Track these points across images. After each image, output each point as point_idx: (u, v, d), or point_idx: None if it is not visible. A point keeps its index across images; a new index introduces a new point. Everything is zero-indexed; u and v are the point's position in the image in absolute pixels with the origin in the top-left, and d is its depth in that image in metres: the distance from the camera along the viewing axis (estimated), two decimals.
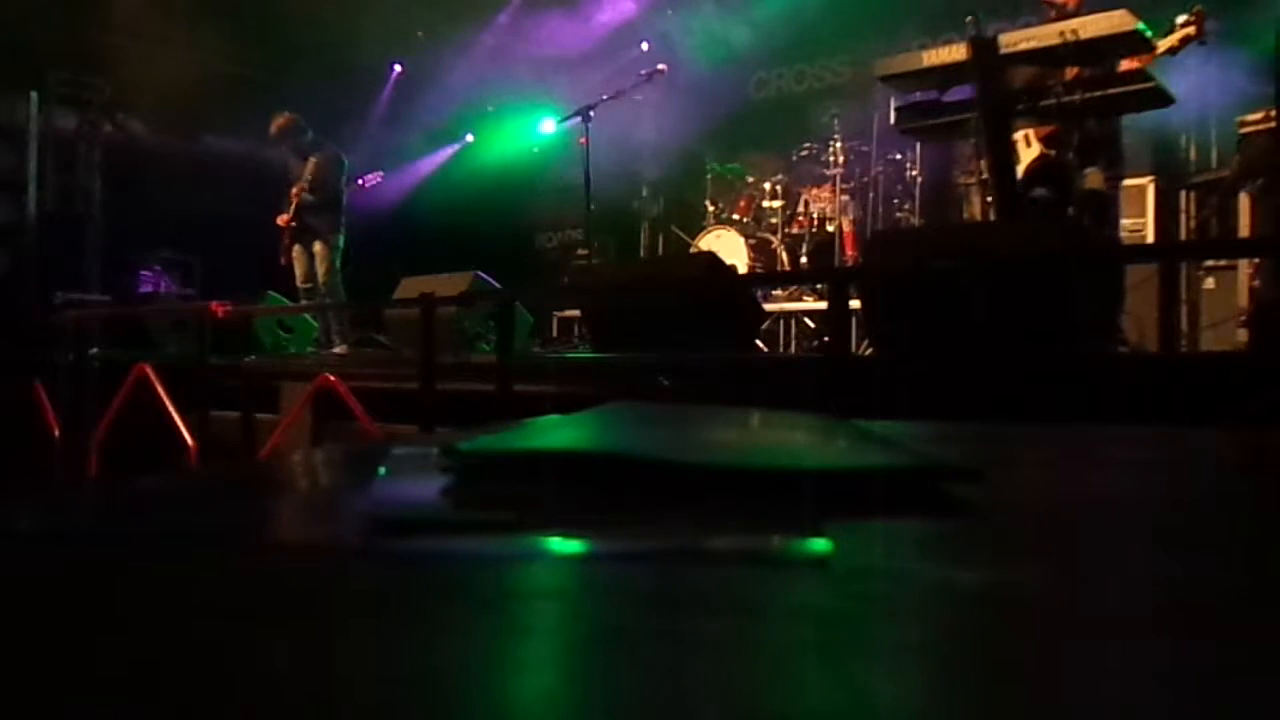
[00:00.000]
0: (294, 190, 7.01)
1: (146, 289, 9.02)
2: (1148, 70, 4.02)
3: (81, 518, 0.59)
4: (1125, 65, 4.13)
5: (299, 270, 7.14)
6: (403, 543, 0.46)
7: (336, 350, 6.63)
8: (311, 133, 7.17)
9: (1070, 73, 3.97)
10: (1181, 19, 4.38)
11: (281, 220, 7.06)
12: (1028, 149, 4.69)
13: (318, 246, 7.03)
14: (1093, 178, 4.52)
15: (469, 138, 11.27)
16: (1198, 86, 4.67)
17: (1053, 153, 4.56)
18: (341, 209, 7.11)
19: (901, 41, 7.61)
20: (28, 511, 0.58)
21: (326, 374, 4.52)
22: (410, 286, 5.79)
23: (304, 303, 7.15)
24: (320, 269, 7.03)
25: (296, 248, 7.10)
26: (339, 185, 7.10)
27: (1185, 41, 4.37)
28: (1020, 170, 4.56)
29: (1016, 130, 4.54)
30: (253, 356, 5.95)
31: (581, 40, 10.25)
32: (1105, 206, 4.62)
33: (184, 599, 0.38)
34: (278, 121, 7.11)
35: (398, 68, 10.69)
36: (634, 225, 10.01)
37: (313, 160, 7.03)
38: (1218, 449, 1.08)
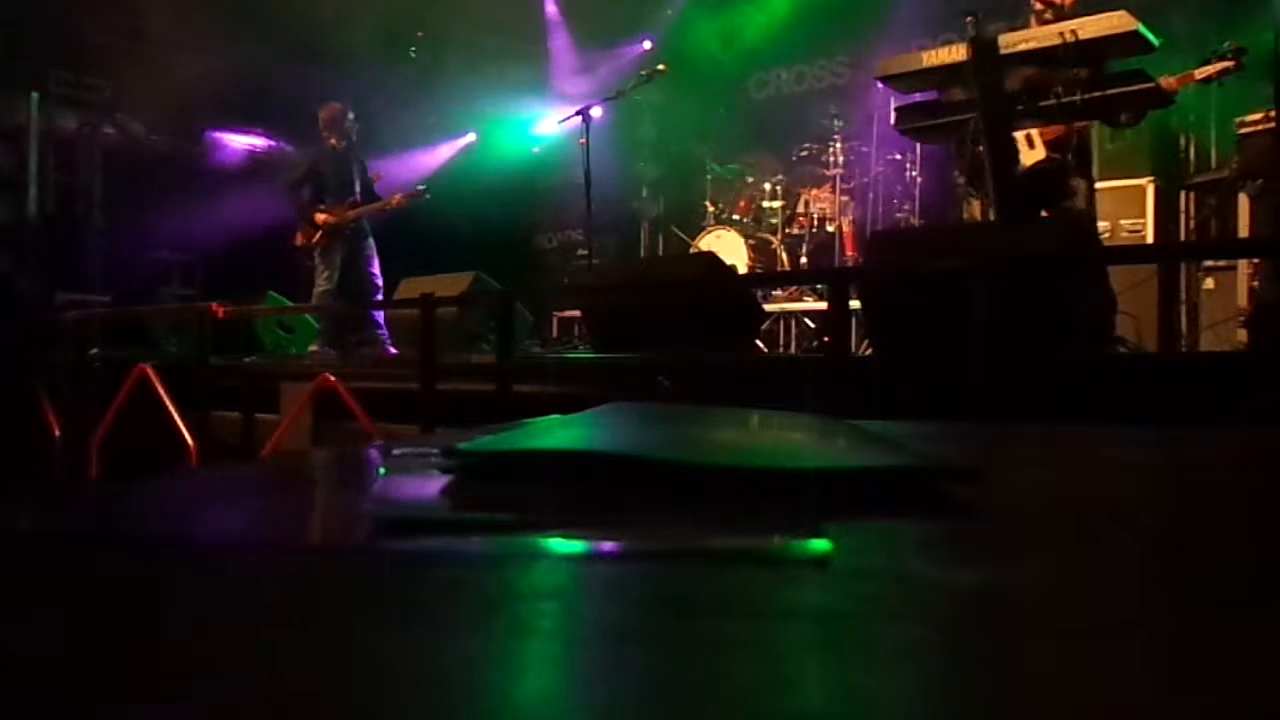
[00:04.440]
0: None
1: (146, 289, 9.01)
2: (1148, 72, 4.02)
3: (81, 518, 0.59)
4: (1164, 83, 4.15)
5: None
6: (403, 543, 0.46)
7: (329, 350, 6.63)
8: (352, 128, 7.17)
9: (1084, 73, 3.93)
10: (1222, 49, 4.44)
11: (319, 218, 6.96)
12: (1030, 150, 4.57)
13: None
14: (1080, 190, 4.42)
15: (470, 137, 11.26)
16: (1197, 87, 4.67)
17: (1056, 156, 4.45)
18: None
19: (901, 42, 7.61)
20: (28, 511, 0.58)
21: (326, 374, 4.52)
22: (410, 287, 5.79)
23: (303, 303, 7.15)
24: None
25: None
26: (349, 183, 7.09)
27: (1224, 74, 4.42)
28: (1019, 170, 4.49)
29: (1019, 130, 4.46)
30: (253, 357, 5.95)
31: (582, 40, 10.25)
32: (1086, 226, 4.43)
33: (184, 600, 0.38)
34: (323, 112, 7.11)
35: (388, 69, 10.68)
36: (634, 225, 10.00)
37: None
38: (1217, 449, 1.08)
